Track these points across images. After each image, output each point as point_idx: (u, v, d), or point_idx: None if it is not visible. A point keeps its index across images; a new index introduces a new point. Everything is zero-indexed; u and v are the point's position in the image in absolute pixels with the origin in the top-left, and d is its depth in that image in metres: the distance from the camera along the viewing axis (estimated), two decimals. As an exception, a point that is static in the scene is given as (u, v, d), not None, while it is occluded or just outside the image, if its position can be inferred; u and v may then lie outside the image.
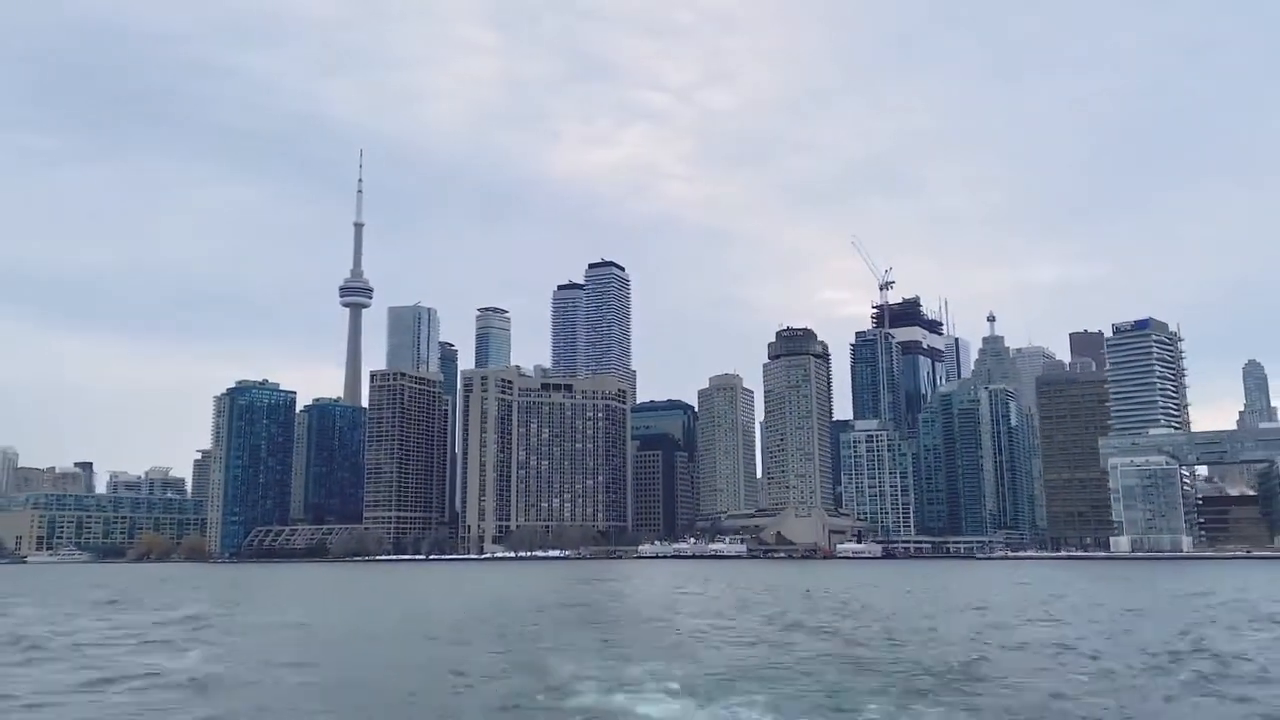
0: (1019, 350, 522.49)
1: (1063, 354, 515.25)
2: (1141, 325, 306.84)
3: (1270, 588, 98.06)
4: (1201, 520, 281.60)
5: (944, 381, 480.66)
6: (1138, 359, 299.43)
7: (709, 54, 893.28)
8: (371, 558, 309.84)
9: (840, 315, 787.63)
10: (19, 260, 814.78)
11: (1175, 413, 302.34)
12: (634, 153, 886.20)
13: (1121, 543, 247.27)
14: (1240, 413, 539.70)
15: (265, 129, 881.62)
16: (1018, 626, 52.38)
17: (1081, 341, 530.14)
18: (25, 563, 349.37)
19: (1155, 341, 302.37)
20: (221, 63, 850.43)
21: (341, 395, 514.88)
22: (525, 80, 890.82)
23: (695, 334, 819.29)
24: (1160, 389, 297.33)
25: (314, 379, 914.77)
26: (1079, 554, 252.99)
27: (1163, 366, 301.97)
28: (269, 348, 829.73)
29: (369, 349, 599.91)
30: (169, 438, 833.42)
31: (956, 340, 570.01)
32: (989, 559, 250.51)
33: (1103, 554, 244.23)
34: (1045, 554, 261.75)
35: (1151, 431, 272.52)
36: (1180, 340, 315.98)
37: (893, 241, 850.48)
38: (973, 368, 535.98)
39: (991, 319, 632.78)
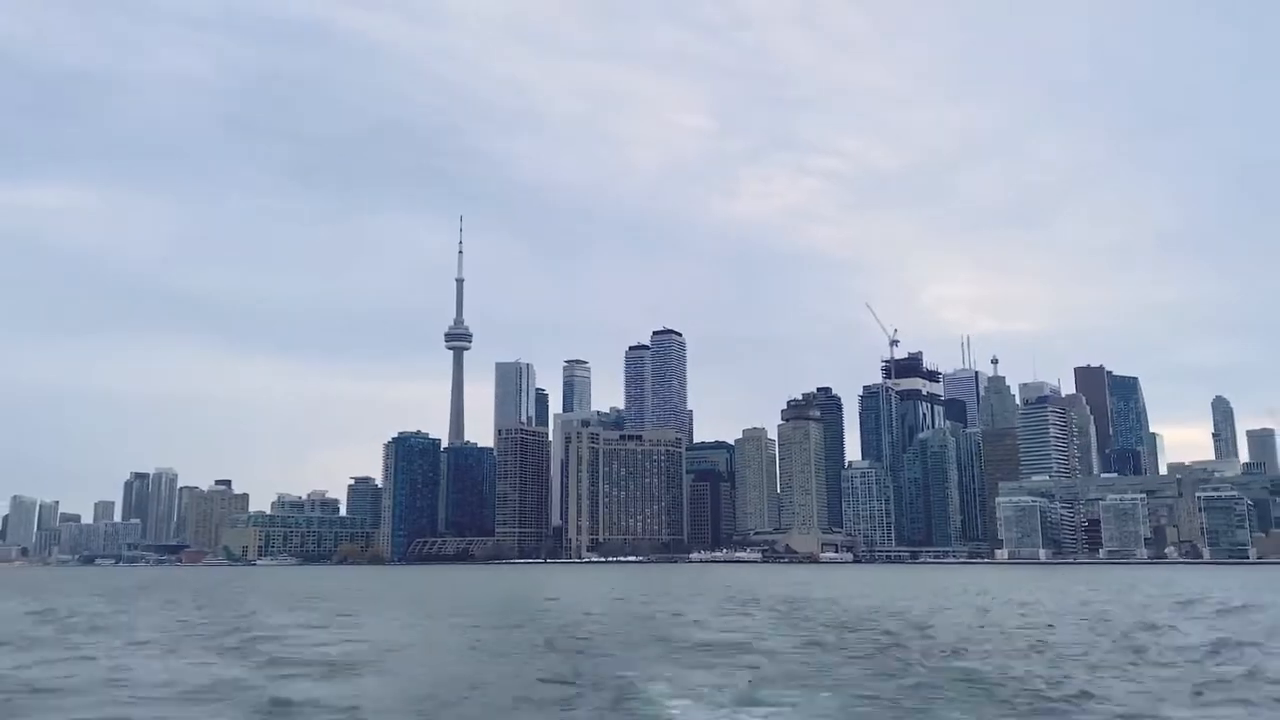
0: (1024, 384, 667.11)
1: (1068, 387, 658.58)
2: (1042, 400, 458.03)
3: (1002, 579, 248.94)
4: (1087, 536, 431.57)
5: (941, 420, 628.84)
6: (1037, 424, 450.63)
7: (880, 123, 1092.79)
8: (507, 561, 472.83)
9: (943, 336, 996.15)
10: (234, 295, 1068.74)
11: (1064, 460, 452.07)
12: (794, 201, 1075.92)
13: (1002, 554, 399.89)
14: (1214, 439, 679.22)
15: (495, 194, 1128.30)
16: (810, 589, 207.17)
17: (1084, 374, 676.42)
18: (255, 565, 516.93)
19: (1051, 411, 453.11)
20: (475, 145, 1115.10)
21: (448, 424, 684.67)
22: (723, 153, 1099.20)
23: (810, 347, 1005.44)
24: (1053, 445, 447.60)
25: (425, 402, 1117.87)
26: (975, 560, 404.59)
27: (1056, 429, 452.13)
28: (401, 373, 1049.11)
29: (473, 381, 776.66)
30: (301, 455, 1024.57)
31: (976, 374, 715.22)
32: (917, 563, 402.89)
33: (987, 560, 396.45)
34: (950, 560, 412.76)
35: (1034, 478, 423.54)
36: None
37: (1009, 272, 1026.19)
38: (978, 404, 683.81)
39: (995, 361, 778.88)
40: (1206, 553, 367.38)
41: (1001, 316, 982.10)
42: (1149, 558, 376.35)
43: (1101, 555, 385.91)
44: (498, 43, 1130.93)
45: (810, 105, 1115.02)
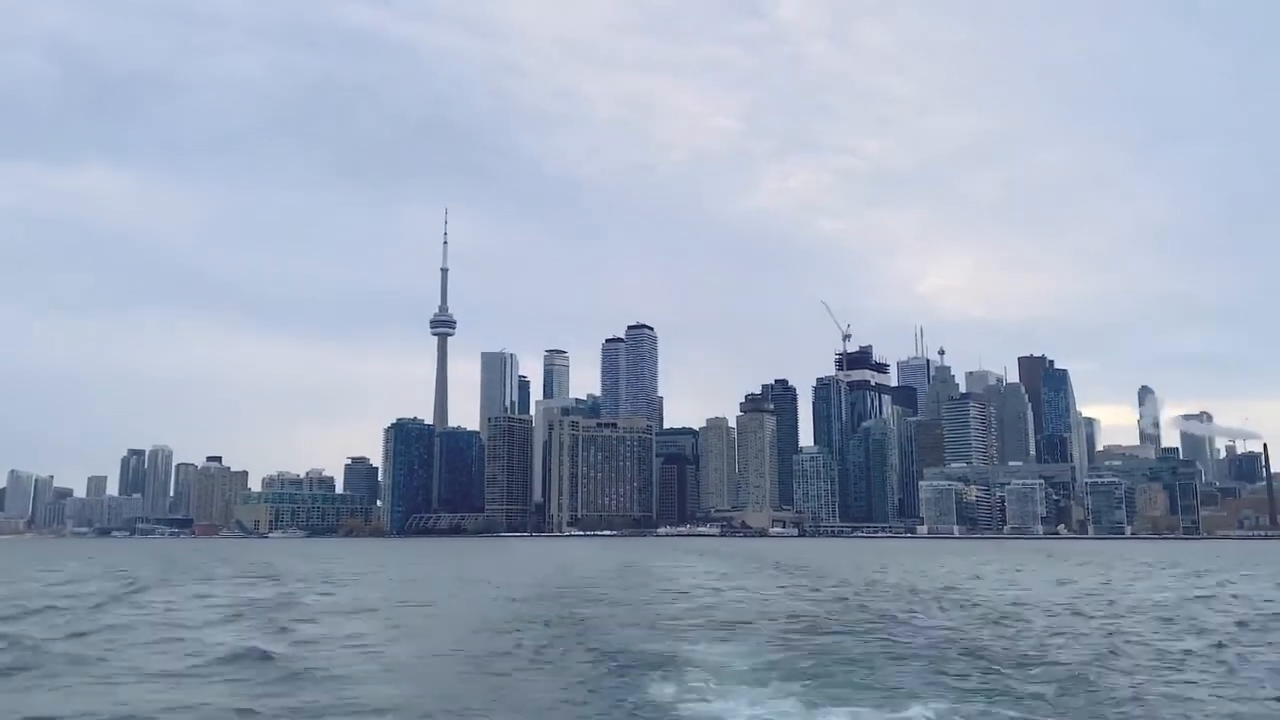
0: (970, 373, 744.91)
1: (1013, 375, 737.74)
2: (965, 398, 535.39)
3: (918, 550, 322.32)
4: (1000, 516, 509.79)
5: (888, 409, 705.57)
6: (959, 418, 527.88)
7: (904, 131, 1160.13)
8: (495, 534, 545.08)
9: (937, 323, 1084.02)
10: (240, 280, 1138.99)
11: (984, 450, 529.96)
12: (803, 196, 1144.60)
13: (922, 529, 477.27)
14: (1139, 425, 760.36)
15: (532, 190, 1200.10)
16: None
17: (1026, 364, 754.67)
18: (267, 538, 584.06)
19: (972, 405, 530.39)
20: (510, 144, 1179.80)
21: (433, 404, 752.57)
22: (748, 152, 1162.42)
23: (797, 334, 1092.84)
24: (973, 436, 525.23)
25: (410, 384, 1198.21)
26: (901, 535, 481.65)
27: (977, 423, 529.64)
28: (388, 356, 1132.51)
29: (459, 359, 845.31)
30: (285, 433, 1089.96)
31: (928, 361, 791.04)
32: (852, 537, 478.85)
33: (909, 535, 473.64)
34: (881, 535, 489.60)
35: (952, 465, 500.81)
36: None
37: (1011, 266, 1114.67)
38: (926, 391, 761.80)
39: (941, 352, 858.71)
40: (1091, 529, 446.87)
41: (990, 306, 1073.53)
42: (1044, 534, 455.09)
43: (1005, 531, 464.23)
44: (545, 52, 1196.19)
45: (833, 111, 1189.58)
